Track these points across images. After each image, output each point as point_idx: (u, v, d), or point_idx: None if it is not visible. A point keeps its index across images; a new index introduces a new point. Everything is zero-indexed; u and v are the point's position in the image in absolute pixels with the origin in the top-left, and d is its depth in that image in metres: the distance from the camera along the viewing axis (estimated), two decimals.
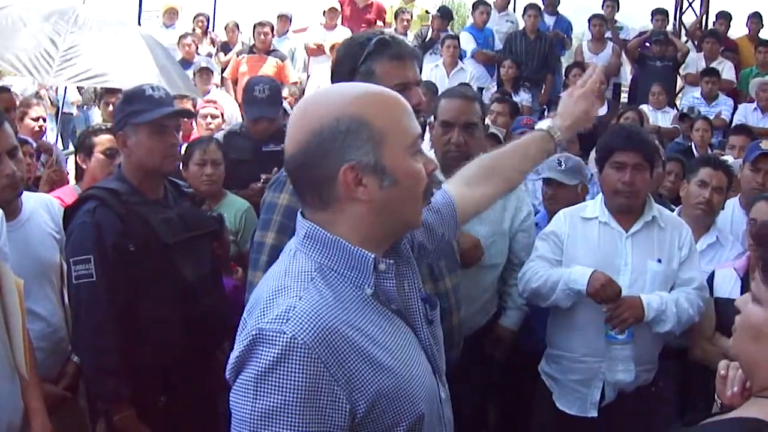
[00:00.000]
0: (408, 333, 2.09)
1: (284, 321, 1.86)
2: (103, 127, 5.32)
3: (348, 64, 3.06)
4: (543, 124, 3.01)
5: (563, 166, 5.32)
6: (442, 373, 2.24)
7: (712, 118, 10.65)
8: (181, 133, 4.05)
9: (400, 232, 2.15)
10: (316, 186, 2.01)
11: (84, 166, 5.20)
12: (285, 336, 1.83)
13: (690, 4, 15.27)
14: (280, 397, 1.81)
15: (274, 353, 1.83)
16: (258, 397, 1.83)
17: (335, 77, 3.15)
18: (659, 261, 4.21)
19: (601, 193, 4.44)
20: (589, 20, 13.19)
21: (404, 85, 2.98)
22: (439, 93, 10.18)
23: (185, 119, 6.84)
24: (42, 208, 4.11)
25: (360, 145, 1.97)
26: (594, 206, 4.41)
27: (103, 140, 5.09)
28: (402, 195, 2.01)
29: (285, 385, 1.81)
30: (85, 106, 14.02)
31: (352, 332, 1.91)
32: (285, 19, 13.87)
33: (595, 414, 4.23)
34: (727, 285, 4.38)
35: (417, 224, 2.15)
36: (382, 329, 1.99)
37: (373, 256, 1.99)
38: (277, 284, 1.99)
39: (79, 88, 12.75)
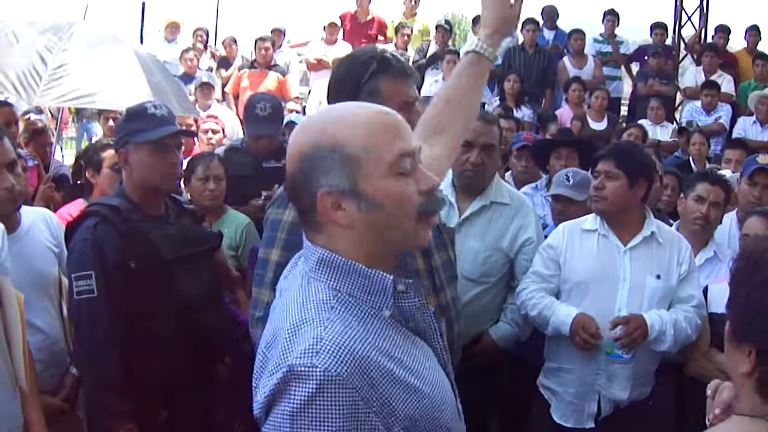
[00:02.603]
0: (427, 351, 2.07)
1: (314, 354, 1.81)
2: (111, 142, 5.33)
3: (350, 83, 3.07)
4: (468, 46, 2.87)
5: (571, 182, 5.34)
6: (455, 386, 2.20)
7: (710, 125, 10.73)
8: (182, 149, 4.07)
9: (399, 250, 2.10)
10: (303, 210, 2.03)
11: (93, 181, 5.24)
12: (317, 369, 1.79)
13: (689, 18, 15.26)
14: None
15: (310, 388, 1.79)
16: None
17: (335, 94, 3.15)
18: (658, 277, 4.23)
19: None
20: (569, 35, 13.24)
21: (407, 103, 3.03)
22: None
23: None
24: (40, 221, 4.13)
25: (331, 171, 1.95)
26: (594, 219, 4.44)
27: (112, 155, 5.10)
28: (387, 217, 1.96)
29: (323, 420, 1.78)
30: (84, 120, 14.05)
31: (381, 357, 1.88)
32: (278, 32, 13.91)
33: (592, 425, 4.27)
34: (722, 300, 4.33)
35: (419, 244, 2.06)
36: (406, 351, 1.97)
37: (392, 278, 1.96)
38: (298, 316, 1.94)
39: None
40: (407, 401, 1.89)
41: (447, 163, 2.84)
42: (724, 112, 11.60)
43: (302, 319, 1.92)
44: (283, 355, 1.87)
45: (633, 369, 4.16)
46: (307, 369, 1.80)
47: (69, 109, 13.19)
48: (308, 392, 1.79)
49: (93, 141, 8.07)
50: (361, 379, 1.81)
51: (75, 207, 5.04)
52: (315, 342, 1.84)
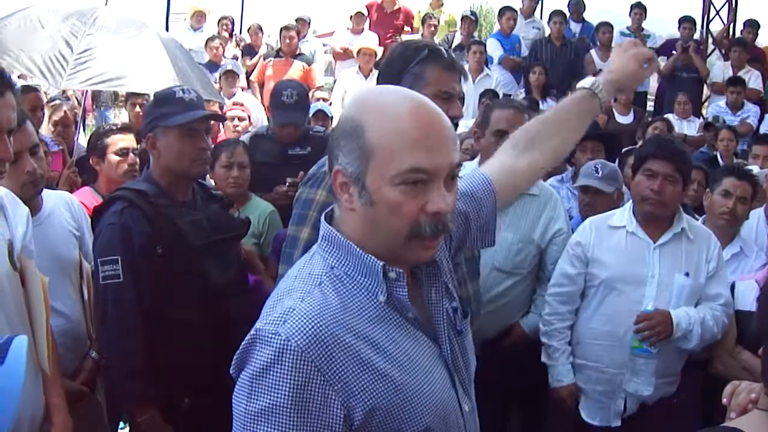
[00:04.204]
0: (425, 343, 2.05)
1: (281, 323, 1.87)
2: (114, 127, 5.34)
3: (400, 64, 3.19)
4: (585, 83, 2.82)
5: (600, 173, 5.32)
6: (468, 384, 2.20)
7: (737, 125, 10.60)
8: (210, 135, 4.05)
9: (399, 258, 1.99)
10: (332, 179, 2.04)
11: (98, 168, 5.22)
12: (279, 338, 1.84)
13: (717, 12, 15.16)
14: (271, 399, 1.82)
15: (268, 354, 1.84)
16: (252, 397, 1.85)
17: (383, 74, 3.29)
18: (686, 275, 4.18)
19: (630, 202, 4.44)
20: (596, 28, 13.19)
21: (449, 95, 3.14)
22: (465, 100, 10.25)
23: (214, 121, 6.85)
24: (62, 205, 4.15)
25: (349, 153, 1.95)
26: (622, 215, 4.40)
27: (115, 140, 5.13)
28: (379, 221, 1.94)
29: (276, 387, 1.82)
30: (102, 107, 14.08)
31: (353, 339, 1.90)
32: (303, 22, 13.90)
33: (618, 423, 4.25)
34: (749, 297, 4.30)
35: (409, 259, 2.01)
36: (391, 339, 1.96)
37: (381, 264, 1.95)
38: (288, 285, 2.01)
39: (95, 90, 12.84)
40: (374, 387, 1.89)
41: (526, 181, 2.77)
42: (752, 113, 11.47)
43: (289, 289, 1.99)
44: (261, 319, 1.95)
45: (657, 364, 4.12)
46: (270, 335, 1.86)
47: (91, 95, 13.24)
48: (267, 358, 1.85)
49: None
50: (322, 355, 1.84)
51: (82, 194, 5.03)
52: (287, 311, 1.89)
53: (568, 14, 13.55)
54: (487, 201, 2.52)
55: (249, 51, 13.89)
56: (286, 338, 1.83)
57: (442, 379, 2.06)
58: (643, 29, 13.57)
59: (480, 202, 2.50)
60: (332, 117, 8.14)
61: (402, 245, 1.95)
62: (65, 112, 7.87)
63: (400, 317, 2.01)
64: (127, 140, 5.13)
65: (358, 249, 1.98)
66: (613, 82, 2.83)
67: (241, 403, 1.88)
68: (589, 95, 2.77)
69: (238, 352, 1.95)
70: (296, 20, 13.56)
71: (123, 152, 5.09)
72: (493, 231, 2.59)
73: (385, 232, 1.95)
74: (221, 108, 8.63)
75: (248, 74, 13.01)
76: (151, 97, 4.37)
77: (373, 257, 1.97)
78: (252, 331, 1.92)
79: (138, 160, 5.13)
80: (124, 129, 5.29)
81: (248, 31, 14.47)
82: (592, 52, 12.82)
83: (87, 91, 8.86)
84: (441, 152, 1.93)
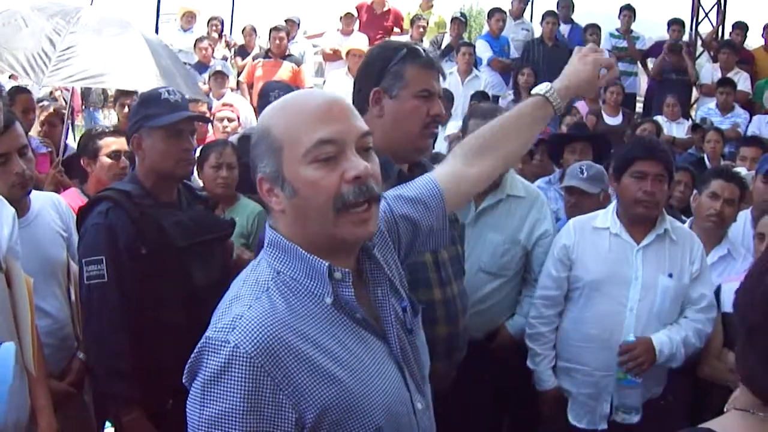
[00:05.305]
0: (373, 344, 2.07)
1: (230, 330, 1.89)
2: (107, 130, 5.37)
3: (379, 64, 3.23)
4: (540, 89, 2.75)
5: (585, 174, 5.31)
6: (421, 382, 2.21)
7: (726, 128, 10.61)
8: (195, 136, 4.04)
9: (340, 245, 2.04)
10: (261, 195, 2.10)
11: (89, 170, 5.23)
12: (228, 345, 1.86)
13: (706, 15, 15.19)
14: (223, 406, 1.84)
15: (218, 362, 1.86)
16: (204, 405, 1.87)
17: (363, 76, 3.32)
18: (670, 276, 4.18)
19: (613, 204, 4.43)
20: (584, 29, 13.18)
21: (429, 93, 3.18)
22: (455, 101, 10.25)
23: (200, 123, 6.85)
24: (49, 206, 4.14)
25: (263, 156, 2.02)
26: (605, 217, 4.39)
27: (108, 143, 5.15)
28: (305, 205, 1.98)
29: (227, 394, 1.84)
30: (91, 107, 14.07)
31: (302, 343, 1.91)
32: (292, 23, 13.90)
33: (605, 426, 4.25)
34: None
35: (347, 239, 2.01)
36: (339, 341, 1.98)
37: (327, 264, 1.98)
38: (235, 292, 2.04)
39: (84, 91, 12.85)
40: (323, 390, 1.91)
41: (476, 188, 2.76)
42: (742, 119, 11.45)
43: (236, 296, 2.02)
44: (210, 327, 1.97)
45: (643, 385, 4.12)
46: (220, 343, 1.89)
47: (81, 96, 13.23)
48: (217, 365, 1.87)
49: None
50: (271, 360, 1.86)
51: (68, 195, 5.04)
52: (235, 318, 1.92)
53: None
54: (436, 206, 2.53)
55: (242, 52, 13.89)
56: (235, 345, 1.86)
57: (393, 378, 2.08)
58: (632, 31, 13.59)
59: (428, 207, 2.51)
60: None
61: (333, 222, 1.97)
62: (54, 109, 7.87)
63: (348, 319, 2.03)
64: (120, 143, 5.13)
65: (302, 251, 2.01)
66: (567, 89, 2.76)
67: (195, 411, 1.90)
68: (543, 102, 2.72)
69: (189, 360, 1.97)
70: (286, 21, 13.55)
71: (115, 155, 5.10)
72: (445, 231, 2.61)
73: (314, 216, 1.98)
74: (209, 108, 8.62)
75: (239, 75, 13.00)
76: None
77: (317, 258, 2.00)
78: (202, 339, 1.94)
79: (128, 163, 5.12)
80: (116, 132, 5.31)
81: (242, 32, 14.46)
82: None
83: (74, 91, 8.84)
84: (343, 121, 2.01)
